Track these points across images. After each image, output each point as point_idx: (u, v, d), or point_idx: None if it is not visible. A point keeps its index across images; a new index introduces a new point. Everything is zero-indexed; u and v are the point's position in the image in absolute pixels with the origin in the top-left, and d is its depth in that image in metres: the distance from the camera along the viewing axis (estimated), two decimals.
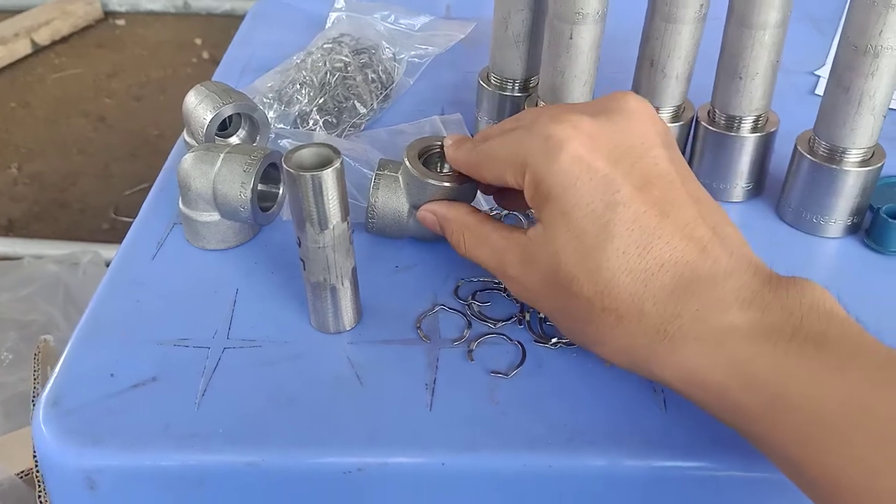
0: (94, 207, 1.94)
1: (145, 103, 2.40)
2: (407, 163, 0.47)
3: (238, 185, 0.48)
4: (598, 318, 0.37)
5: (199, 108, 0.53)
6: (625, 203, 0.36)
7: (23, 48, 2.59)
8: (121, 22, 2.89)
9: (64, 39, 2.72)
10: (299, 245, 0.42)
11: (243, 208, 0.48)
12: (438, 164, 0.49)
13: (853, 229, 0.53)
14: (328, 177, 0.39)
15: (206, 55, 2.66)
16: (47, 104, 2.38)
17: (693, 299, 0.35)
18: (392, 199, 0.49)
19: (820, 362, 0.32)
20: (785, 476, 0.34)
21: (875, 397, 0.30)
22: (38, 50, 2.64)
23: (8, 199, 1.96)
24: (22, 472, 0.89)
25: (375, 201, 0.49)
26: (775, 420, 0.32)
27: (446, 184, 0.46)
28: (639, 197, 0.37)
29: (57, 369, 0.43)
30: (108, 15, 2.90)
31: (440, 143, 0.48)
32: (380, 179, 0.49)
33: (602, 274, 0.36)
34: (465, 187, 0.46)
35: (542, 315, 0.46)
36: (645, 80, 0.54)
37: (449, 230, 0.45)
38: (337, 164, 0.39)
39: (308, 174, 0.38)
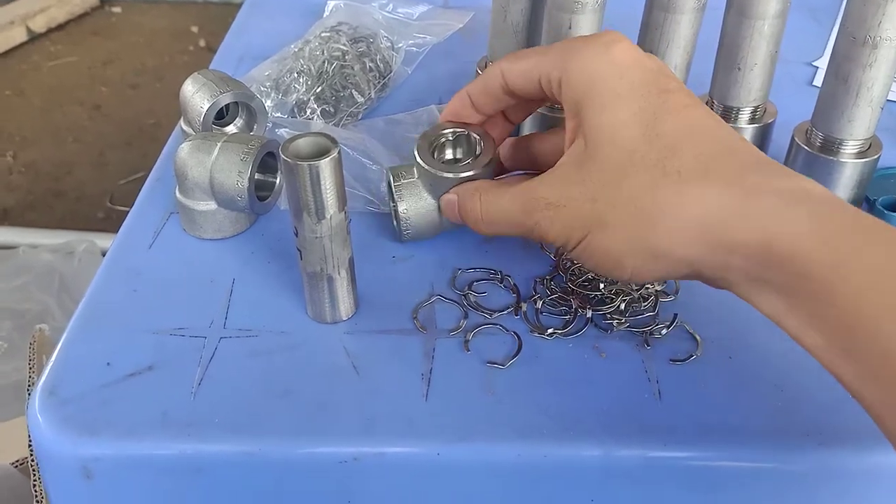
0: (90, 196, 1.94)
1: (141, 91, 2.39)
2: (422, 163, 0.46)
3: (235, 174, 0.48)
4: (661, 185, 0.36)
5: (197, 96, 0.53)
6: (676, 91, 0.39)
7: (18, 35, 2.58)
8: (117, 9, 2.87)
9: (60, 27, 2.71)
10: (296, 235, 0.42)
11: (240, 197, 0.48)
12: (450, 150, 0.48)
13: None
14: (325, 166, 0.39)
15: (202, 43, 2.65)
16: (42, 92, 2.37)
17: (763, 161, 0.36)
18: (420, 204, 0.48)
19: (871, 226, 0.33)
20: (805, 343, 0.33)
21: None
22: (33, 37, 2.63)
23: (3, 188, 1.95)
24: (17, 461, 0.89)
25: (407, 211, 0.48)
26: (839, 267, 0.32)
27: (467, 173, 0.46)
28: (684, 90, 0.39)
29: (53, 359, 0.42)
30: (104, 2, 2.89)
31: (446, 130, 0.47)
32: (401, 189, 0.48)
33: (667, 139, 0.37)
34: (487, 170, 0.46)
35: (538, 306, 0.46)
36: None
37: (465, 199, 0.45)
38: (334, 154, 0.39)
39: (305, 164, 0.38)
